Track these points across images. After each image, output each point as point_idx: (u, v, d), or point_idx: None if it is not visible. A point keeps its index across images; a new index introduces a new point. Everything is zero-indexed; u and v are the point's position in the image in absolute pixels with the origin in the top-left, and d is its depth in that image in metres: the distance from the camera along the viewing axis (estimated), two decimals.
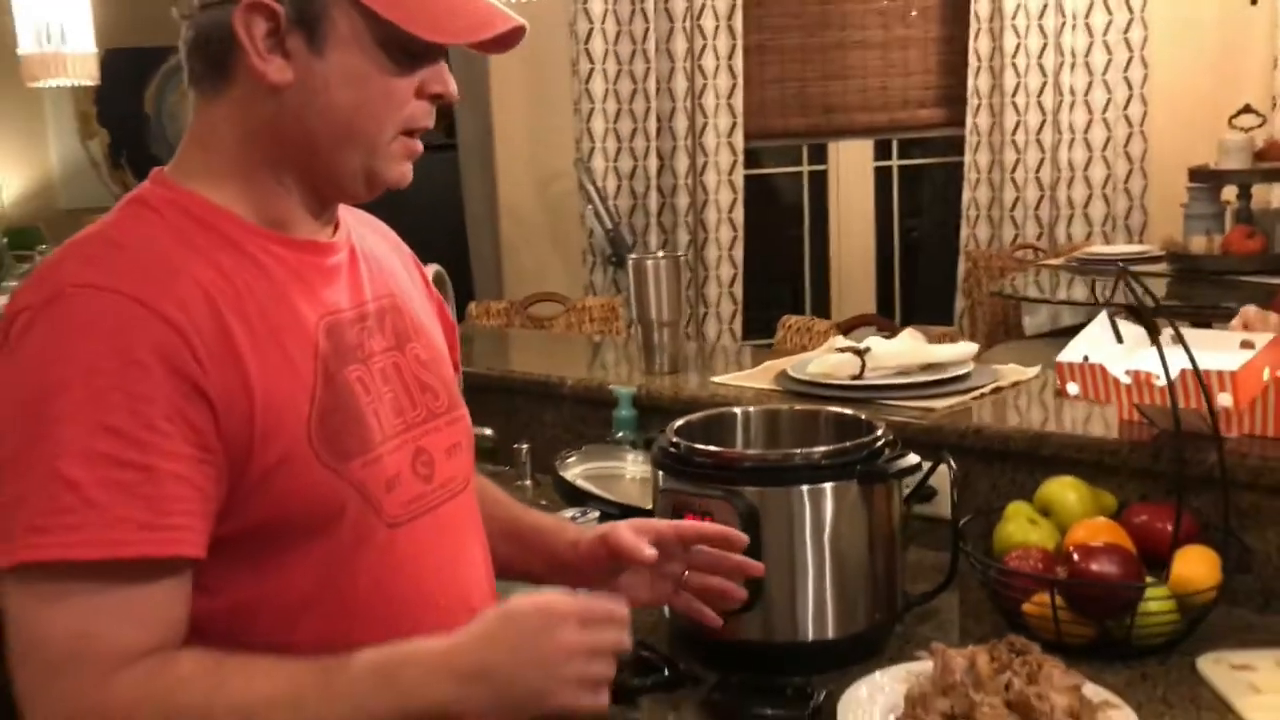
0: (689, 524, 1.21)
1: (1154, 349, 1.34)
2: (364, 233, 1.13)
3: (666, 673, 1.30)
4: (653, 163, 4.59)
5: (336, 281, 1.04)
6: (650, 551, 1.14)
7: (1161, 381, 1.39)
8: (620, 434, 1.94)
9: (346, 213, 1.11)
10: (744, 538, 1.21)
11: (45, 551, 0.84)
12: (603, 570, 1.20)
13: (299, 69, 0.97)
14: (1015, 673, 1.15)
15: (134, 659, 0.87)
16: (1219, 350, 1.47)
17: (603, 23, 4.50)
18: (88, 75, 3.12)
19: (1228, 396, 1.37)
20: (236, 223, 0.99)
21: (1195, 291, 3.40)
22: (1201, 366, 1.37)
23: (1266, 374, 1.42)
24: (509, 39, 1.02)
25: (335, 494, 0.95)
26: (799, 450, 1.32)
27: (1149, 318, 1.38)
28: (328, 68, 0.97)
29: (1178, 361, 1.36)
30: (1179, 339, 1.35)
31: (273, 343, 0.94)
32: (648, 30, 4.51)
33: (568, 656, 0.94)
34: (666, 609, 1.39)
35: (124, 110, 7.69)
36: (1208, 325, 2.35)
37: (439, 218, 5.10)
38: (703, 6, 4.49)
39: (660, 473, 1.35)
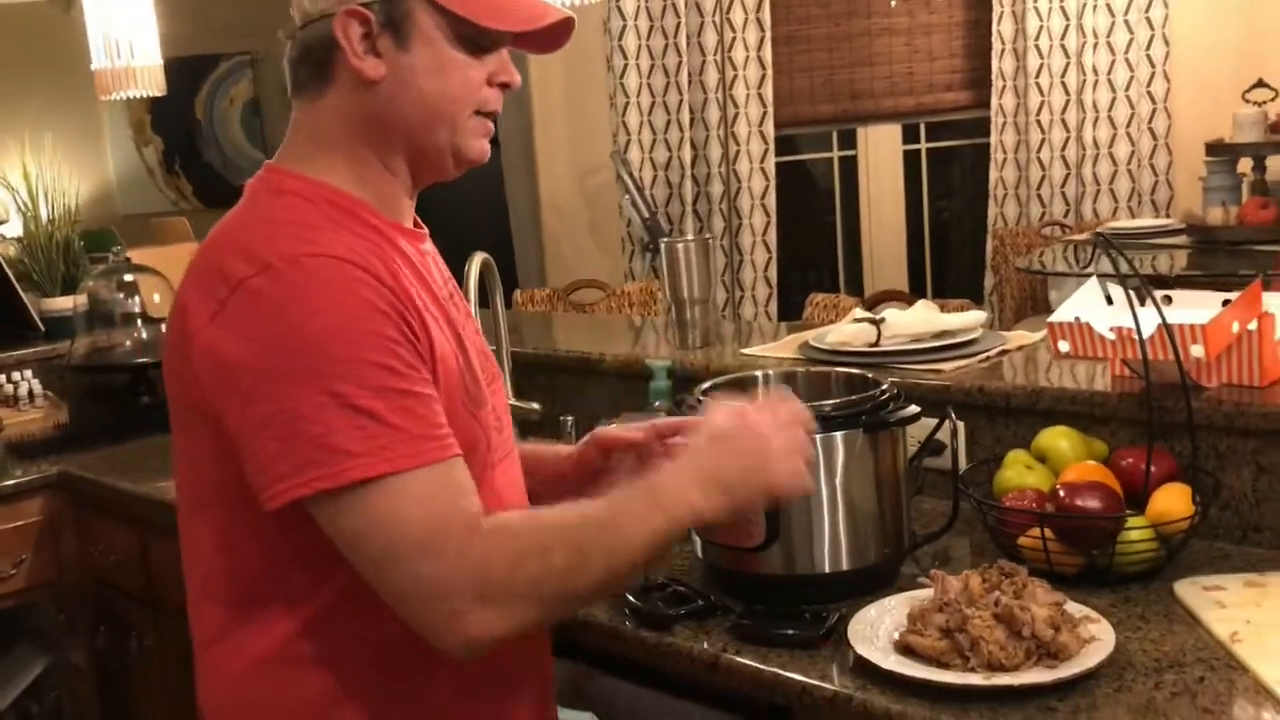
0: (663, 420, 1.40)
1: (1136, 311, 1.49)
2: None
3: (699, 603, 1.47)
4: (687, 153, 4.76)
5: (435, 264, 1.24)
6: (636, 434, 1.35)
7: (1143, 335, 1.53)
8: (656, 404, 2.11)
9: None
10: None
11: (372, 468, 1.01)
12: (595, 470, 1.38)
13: (390, 64, 1.14)
14: (1003, 591, 1.30)
15: (476, 521, 1.05)
16: (1202, 308, 1.62)
17: (635, 19, 4.67)
18: (155, 86, 3.34)
19: (1199, 348, 1.52)
20: (369, 210, 1.16)
21: (1213, 261, 3.52)
22: (1178, 322, 1.52)
23: (1235, 327, 1.56)
24: (561, 35, 1.20)
25: (474, 434, 1.15)
26: (811, 404, 1.49)
27: (1127, 281, 1.53)
28: (414, 61, 1.14)
29: (1157, 320, 1.51)
30: (1151, 300, 1.50)
31: (429, 311, 1.13)
32: (679, 25, 4.68)
33: (775, 456, 1.17)
34: (699, 549, 1.56)
35: (177, 118, 7.97)
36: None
37: (483, 211, 5.31)
38: (731, 1, 4.65)
39: None
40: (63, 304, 3.11)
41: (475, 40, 1.16)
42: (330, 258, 1.06)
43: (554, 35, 1.20)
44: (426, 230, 1.26)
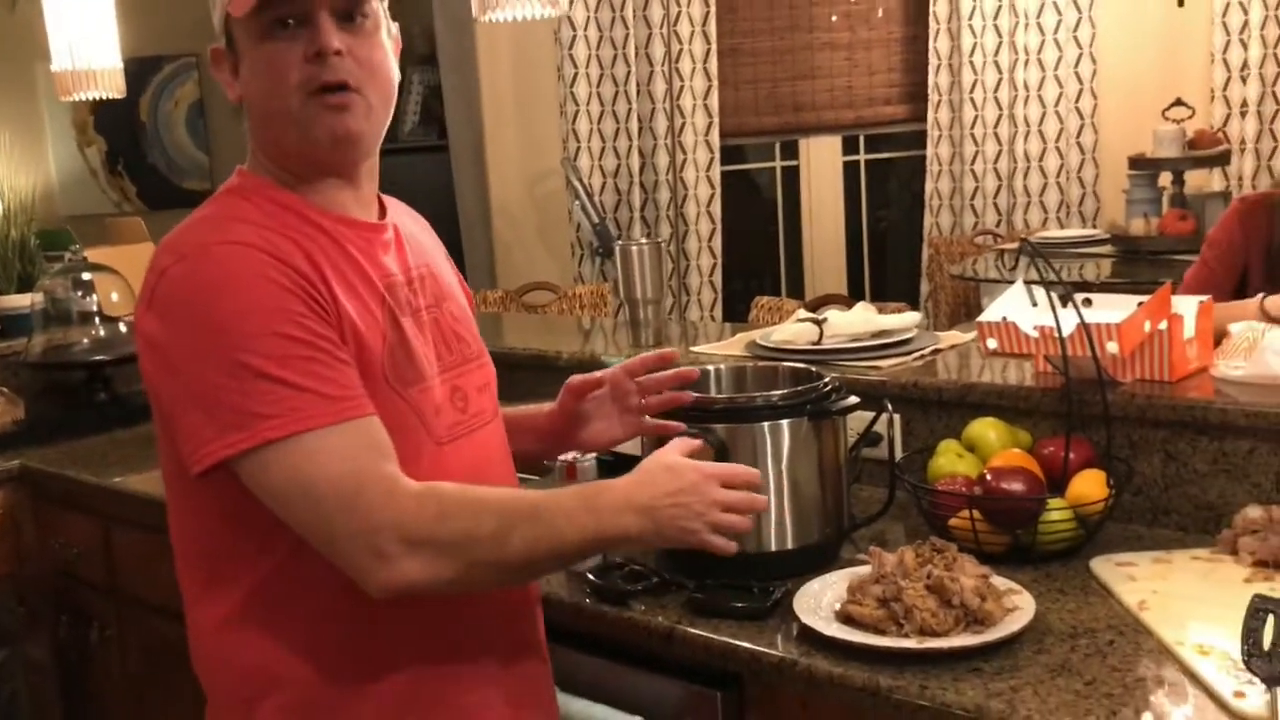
0: (632, 360, 1.51)
1: (1056, 310, 1.62)
2: (403, 219, 1.40)
3: (654, 580, 1.58)
4: (635, 160, 4.88)
5: (389, 253, 1.31)
6: (600, 375, 1.47)
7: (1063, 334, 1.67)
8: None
9: (390, 203, 1.38)
10: (675, 353, 1.53)
11: (285, 427, 1.10)
12: (574, 416, 1.50)
13: (241, 83, 1.26)
14: (935, 565, 1.42)
15: (400, 478, 1.13)
16: (1119, 309, 1.76)
17: (585, 29, 4.78)
18: (115, 89, 3.37)
19: (1114, 345, 1.65)
20: (308, 205, 1.26)
21: (1136, 270, 3.70)
22: (1096, 322, 1.66)
23: (1148, 326, 1.70)
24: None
25: (399, 411, 1.22)
26: (760, 394, 1.60)
27: (1049, 284, 1.66)
28: (246, 72, 1.25)
29: (1077, 320, 1.64)
30: (1072, 302, 1.64)
31: (353, 293, 1.21)
32: (628, 36, 4.79)
33: (710, 507, 1.23)
34: None
35: (121, 119, 7.88)
36: None
37: (433, 215, 5.36)
38: (678, 13, 4.78)
39: (647, 415, 1.63)
40: (19, 301, 3.13)
41: (262, 33, 1.22)
42: (238, 244, 1.16)
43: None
44: (390, 223, 1.33)
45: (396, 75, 1.29)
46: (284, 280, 1.15)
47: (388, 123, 1.29)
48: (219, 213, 1.23)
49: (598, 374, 1.49)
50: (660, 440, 1.43)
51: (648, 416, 1.53)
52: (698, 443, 1.34)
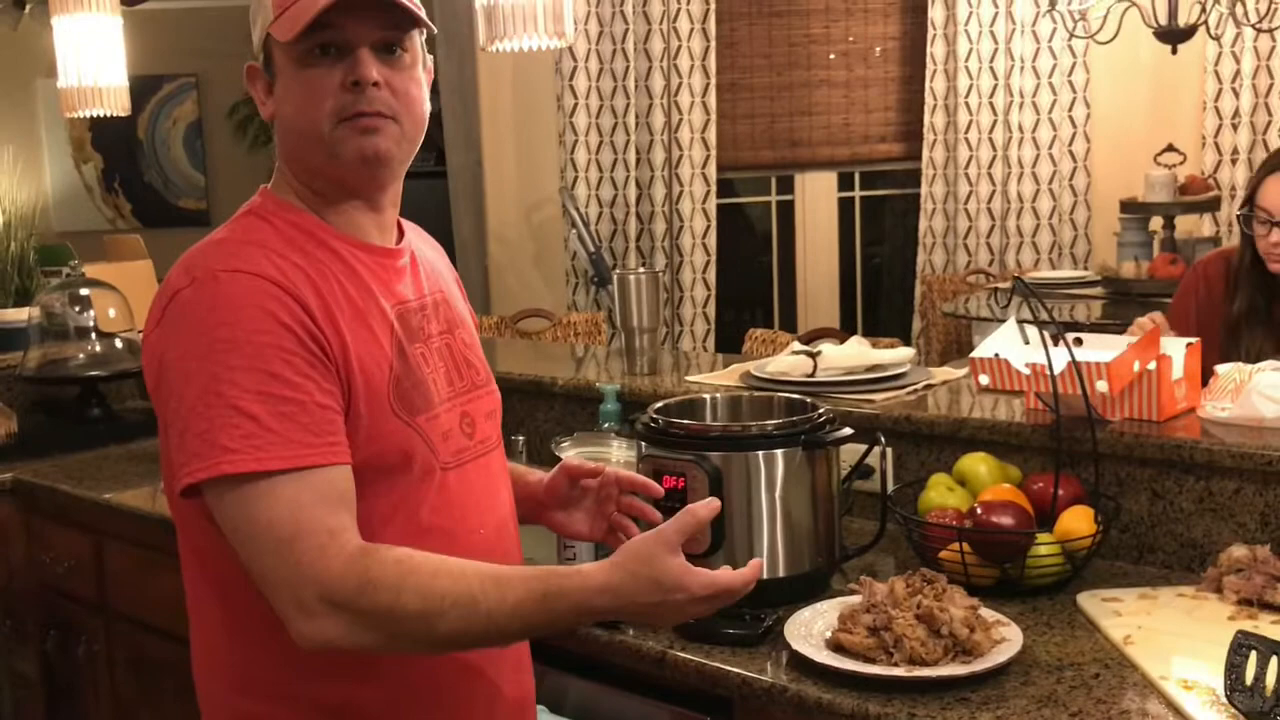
0: (625, 476, 1.47)
1: (1048, 348, 1.65)
2: (419, 244, 1.42)
3: None
4: (632, 191, 4.92)
5: (403, 279, 1.32)
6: (597, 466, 1.45)
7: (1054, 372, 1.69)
8: (606, 425, 2.23)
9: (406, 226, 1.40)
10: (657, 487, 1.47)
11: (243, 465, 1.11)
12: (562, 497, 1.47)
13: (275, 102, 1.28)
14: (924, 595, 1.44)
15: (340, 535, 1.12)
16: (1108, 349, 1.78)
17: (586, 61, 4.83)
18: (120, 107, 3.41)
19: (1104, 384, 1.68)
20: (325, 228, 1.27)
21: (1126, 311, 3.73)
22: (1086, 360, 1.69)
23: (1137, 366, 1.73)
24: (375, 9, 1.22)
25: (407, 439, 1.23)
26: (755, 423, 1.62)
27: (1042, 323, 1.69)
28: (281, 92, 1.27)
29: (1068, 358, 1.67)
30: (1063, 340, 1.66)
31: (360, 322, 1.23)
32: (628, 69, 4.85)
33: (684, 616, 1.21)
34: None
35: (118, 136, 7.94)
36: None
37: None
38: (679, 47, 4.84)
39: (642, 443, 1.65)
40: (16, 315, 3.15)
41: (303, 58, 1.23)
42: (245, 273, 1.17)
43: (381, 12, 1.23)
44: (405, 248, 1.35)
45: (428, 108, 1.32)
46: (284, 315, 1.16)
47: (414, 152, 1.31)
48: (237, 235, 1.25)
49: (594, 465, 1.46)
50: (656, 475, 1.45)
51: (616, 527, 1.48)
52: (695, 521, 1.20)
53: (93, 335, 3.04)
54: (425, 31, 1.29)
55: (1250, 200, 2.24)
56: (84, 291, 3.06)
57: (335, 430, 1.17)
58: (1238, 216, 2.30)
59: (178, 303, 1.18)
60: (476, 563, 1.17)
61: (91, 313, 3.06)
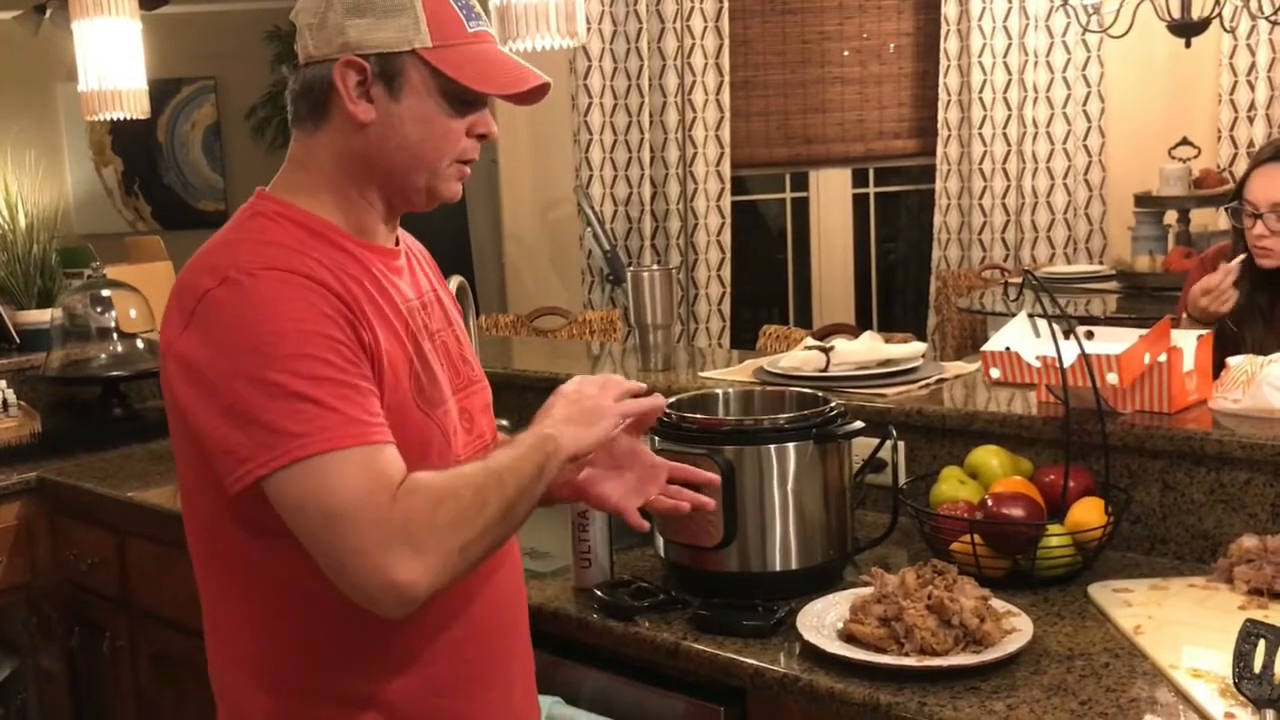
0: (679, 465, 1.50)
1: (1058, 341, 1.66)
2: (411, 244, 1.45)
3: (661, 597, 1.61)
4: (646, 190, 4.93)
5: (404, 278, 1.35)
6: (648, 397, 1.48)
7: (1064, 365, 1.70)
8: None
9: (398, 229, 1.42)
10: (712, 477, 1.53)
11: (312, 447, 1.13)
12: (620, 449, 1.48)
13: (381, 111, 1.27)
14: (935, 586, 1.46)
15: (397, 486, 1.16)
16: (1120, 342, 1.79)
17: (600, 60, 4.85)
18: (140, 110, 3.44)
19: (1114, 376, 1.69)
20: (335, 230, 1.30)
21: (1140, 306, 3.73)
22: (1096, 353, 1.70)
23: (1147, 358, 1.74)
24: (537, 93, 1.34)
25: (429, 431, 1.26)
26: (767, 417, 1.64)
27: (1051, 316, 1.70)
28: (402, 110, 1.27)
29: (1078, 351, 1.68)
30: (1073, 333, 1.67)
31: (381, 317, 1.25)
32: (642, 67, 4.87)
33: (597, 401, 1.35)
34: (662, 549, 1.70)
35: (138, 139, 7.99)
36: None
37: (444, 239, 5.43)
38: (692, 45, 4.85)
39: (657, 437, 1.67)
40: (39, 317, 3.19)
41: (460, 98, 1.28)
42: (278, 270, 1.19)
43: (531, 95, 1.34)
44: (402, 248, 1.38)
45: None
46: (325, 307, 1.19)
47: None
48: (252, 237, 1.26)
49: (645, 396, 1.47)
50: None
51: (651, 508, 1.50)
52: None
53: (114, 336, 3.08)
54: None
55: (1239, 194, 2.24)
56: (105, 293, 3.10)
57: (381, 412, 1.20)
58: (1228, 210, 2.30)
59: (210, 303, 1.18)
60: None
61: (113, 313, 3.10)
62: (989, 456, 1.79)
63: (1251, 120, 4.57)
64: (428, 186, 1.31)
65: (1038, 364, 1.76)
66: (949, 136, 4.91)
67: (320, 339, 1.17)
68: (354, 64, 1.26)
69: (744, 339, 4.96)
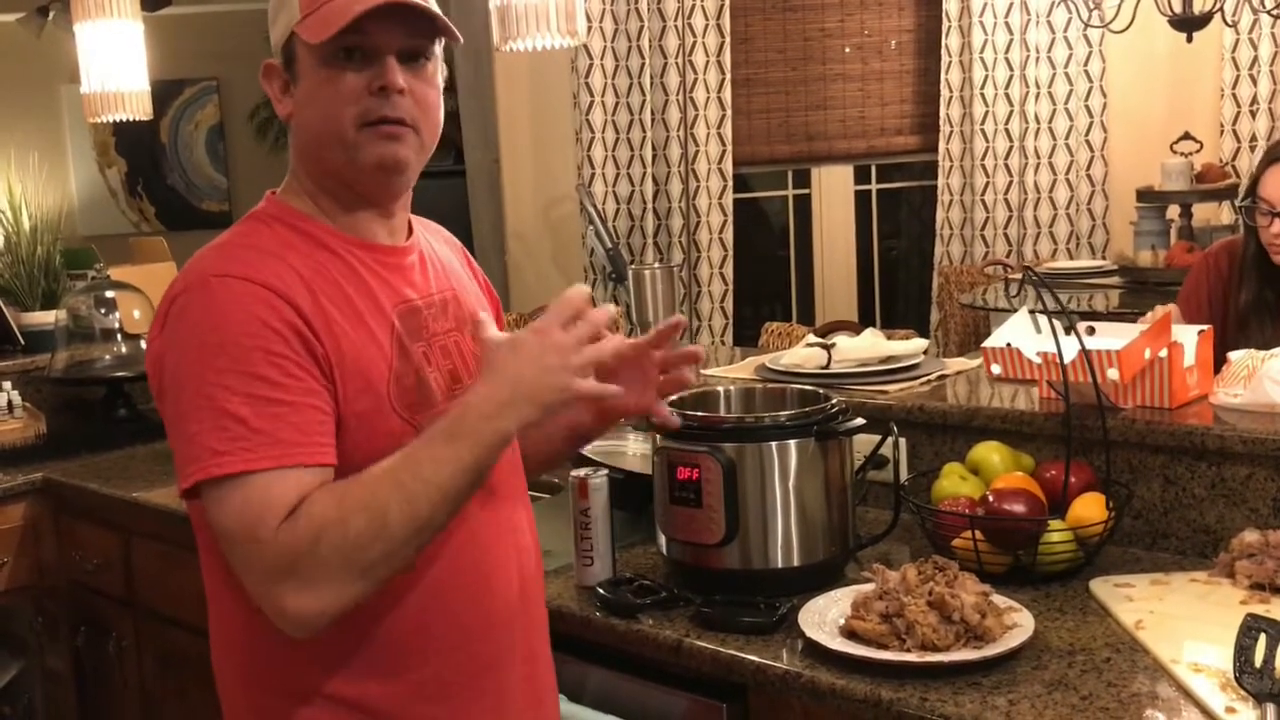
0: (650, 334, 1.43)
1: (1058, 337, 1.66)
2: (431, 240, 1.44)
3: (664, 595, 1.62)
4: (649, 187, 4.94)
5: (409, 277, 1.34)
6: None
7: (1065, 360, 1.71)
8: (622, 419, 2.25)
9: (418, 224, 1.42)
10: (684, 320, 1.45)
11: (230, 466, 1.14)
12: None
13: (294, 101, 1.29)
14: (936, 582, 1.46)
15: (285, 515, 1.13)
16: (1122, 338, 1.80)
17: (602, 59, 4.85)
18: (143, 111, 3.45)
19: (1115, 371, 1.69)
20: (327, 230, 1.30)
21: (1143, 301, 3.72)
22: (1097, 348, 1.70)
23: (1148, 353, 1.74)
24: (410, 16, 1.24)
25: (405, 436, 1.23)
26: (768, 414, 1.65)
27: (1051, 312, 1.71)
28: (301, 93, 1.28)
29: (1078, 346, 1.68)
30: (1073, 328, 1.68)
31: (358, 321, 1.25)
32: (643, 65, 4.87)
33: (562, 354, 1.18)
34: (664, 547, 1.70)
35: (141, 141, 8.01)
36: None
37: None
38: (694, 43, 4.85)
39: (657, 435, 1.67)
40: (43, 318, 3.20)
41: (330, 59, 1.25)
42: (235, 277, 1.19)
43: (410, 21, 1.23)
44: (414, 245, 1.36)
45: (443, 114, 1.34)
46: (272, 319, 1.18)
47: (427, 160, 1.33)
48: (233, 240, 1.27)
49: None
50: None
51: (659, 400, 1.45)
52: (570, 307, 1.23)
53: (118, 337, 3.10)
54: (444, 40, 1.31)
55: (1252, 192, 2.24)
56: (109, 294, 3.12)
57: (324, 432, 1.19)
58: (1240, 208, 2.30)
59: (175, 307, 1.21)
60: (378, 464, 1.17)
61: (117, 314, 3.11)
62: (990, 452, 1.80)
63: (1254, 115, 4.56)
64: (347, 159, 1.27)
65: (1039, 360, 1.76)
66: (951, 132, 4.90)
67: (259, 354, 1.17)
68: (270, 67, 1.31)
69: (747, 336, 4.96)
